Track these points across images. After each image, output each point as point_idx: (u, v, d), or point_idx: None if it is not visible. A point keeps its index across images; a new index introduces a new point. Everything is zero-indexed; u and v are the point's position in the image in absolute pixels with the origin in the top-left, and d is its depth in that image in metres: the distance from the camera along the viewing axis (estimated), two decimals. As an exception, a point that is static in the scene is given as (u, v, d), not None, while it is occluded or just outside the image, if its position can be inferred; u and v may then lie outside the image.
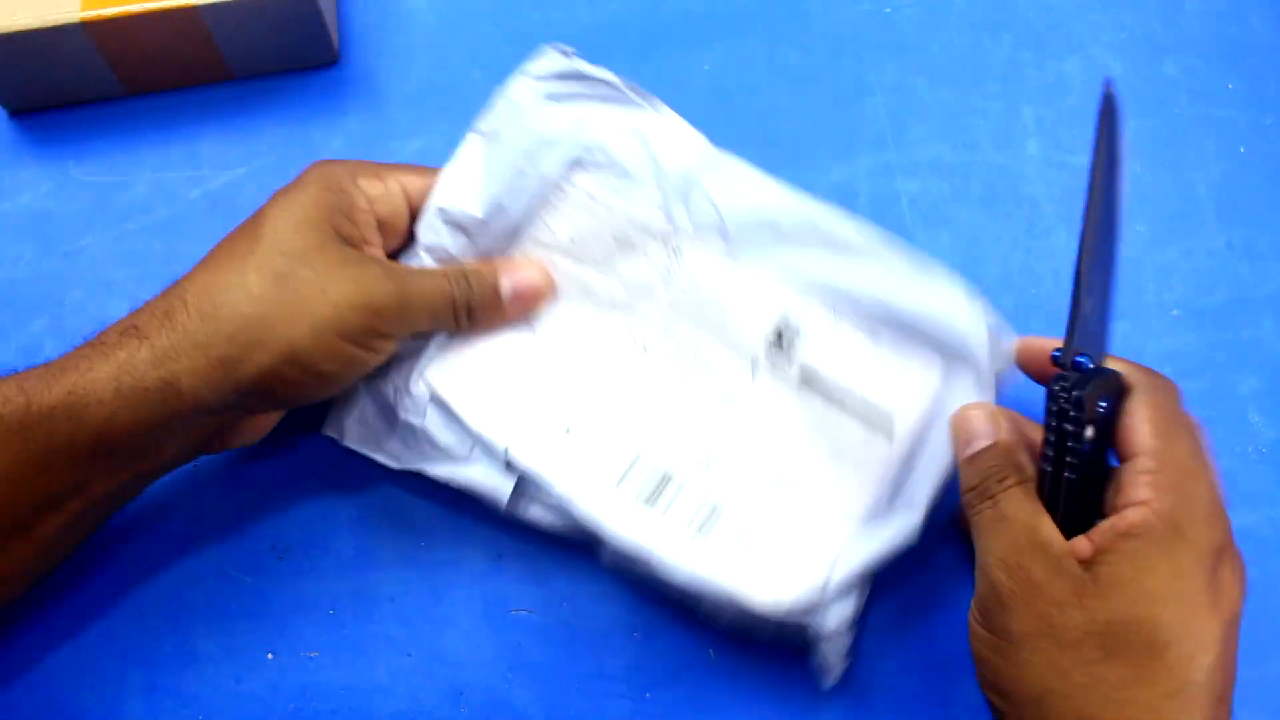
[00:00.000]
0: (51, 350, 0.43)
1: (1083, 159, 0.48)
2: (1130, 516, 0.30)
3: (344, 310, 0.34)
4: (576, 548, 0.40)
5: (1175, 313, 0.45)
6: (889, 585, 0.39)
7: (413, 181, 0.39)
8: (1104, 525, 0.30)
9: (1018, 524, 0.31)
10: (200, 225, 0.46)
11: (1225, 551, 0.30)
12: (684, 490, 0.37)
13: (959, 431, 0.34)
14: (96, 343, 0.34)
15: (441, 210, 0.39)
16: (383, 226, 0.38)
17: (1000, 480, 0.32)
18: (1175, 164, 0.48)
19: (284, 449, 0.42)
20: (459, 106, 0.49)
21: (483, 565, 0.40)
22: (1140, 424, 0.31)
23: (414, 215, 0.39)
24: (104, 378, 0.33)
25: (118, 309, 0.45)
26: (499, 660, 0.39)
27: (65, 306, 0.45)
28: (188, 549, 0.41)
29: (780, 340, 0.38)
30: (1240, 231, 0.47)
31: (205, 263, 0.36)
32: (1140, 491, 0.30)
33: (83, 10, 0.43)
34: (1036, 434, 0.34)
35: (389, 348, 0.36)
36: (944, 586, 0.40)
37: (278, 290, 0.33)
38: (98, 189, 0.47)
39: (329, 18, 0.48)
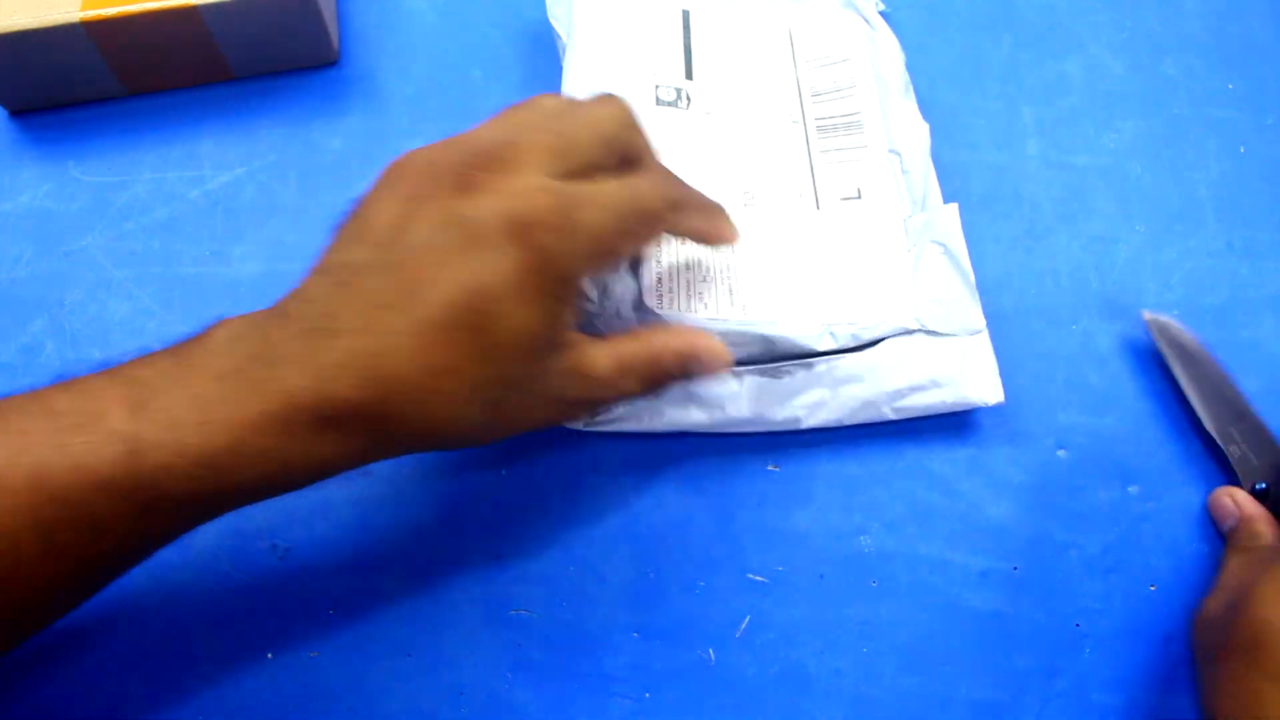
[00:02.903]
0: (52, 351, 0.44)
1: (1083, 159, 0.48)
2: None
3: (543, 426, 0.33)
4: (576, 547, 0.40)
5: (1175, 313, 0.45)
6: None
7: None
8: None
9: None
10: (200, 225, 0.46)
11: None
12: None
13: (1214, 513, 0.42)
14: (288, 425, 0.28)
15: None
16: None
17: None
18: (1175, 164, 0.48)
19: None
20: (459, 106, 0.49)
21: (483, 565, 0.40)
22: None
23: None
24: (302, 471, 0.30)
25: (118, 309, 0.45)
26: (499, 660, 0.39)
27: (65, 306, 0.45)
28: (187, 549, 0.41)
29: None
30: (1240, 231, 0.47)
31: (420, 342, 0.28)
32: None
33: (83, 10, 0.43)
34: None
35: None
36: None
37: (489, 418, 0.31)
38: (98, 189, 0.47)
39: (329, 18, 0.48)
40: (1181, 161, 0.48)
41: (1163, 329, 0.43)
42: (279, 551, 0.40)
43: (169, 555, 0.40)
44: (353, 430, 0.29)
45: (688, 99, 0.41)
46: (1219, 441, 0.41)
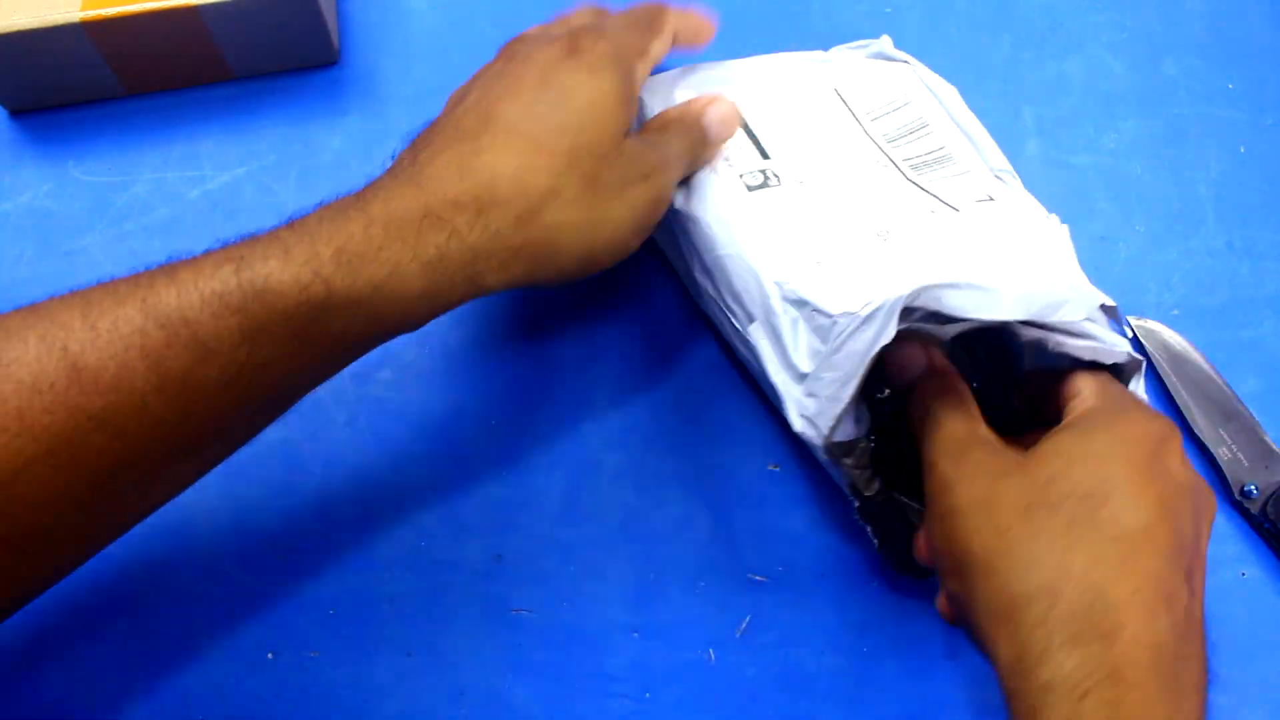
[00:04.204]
0: (52, 350, 0.44)
1: (1083, 159, 0.48)
2: (1074, 410, 0.33)
3: (640, 218, 0.35)
4: (576, 547, 0.41)
5: (1175, 313, 0.45)
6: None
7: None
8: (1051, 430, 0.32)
9: (957, 424, 0.33)
10: (200, 225, 0.46)
11: (1169, 443, 0.31)
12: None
13: (895, 365, 0.36)
14: (392, 227, 0.30)
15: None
16: None
17: (937, 397, 0.34)
18: (1175, 164, 0.48)
19: (284, 448, 0.42)
20: (459, 106, 0.49)
21: (483, 565, 0.40)
22: (1081, 376, 0.34)
23: None
24: (414, 275, 0.30)
25: (118, 309, 0.45)
26: (499, 660, 0.39)
27: (65, 306, 0.45)
28: (187, 549, 0.41)
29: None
30: (1240, 231, 0.47)
31: (507, 136, 0.33)
32: (1082, 398, 0.33)
33: (83, 10, 0.43)
34: None
35: None
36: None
37: (589, 198, 0.33)
38: (98, 189, 0.47)
39: (329, 18, 0.48)
40: (1181, 161, 0.48)
41: (1150, 334, 0.43)
42: (279, 552, 0.40)
43: (170, 555, 0.41)
44: (455, 224, 0.31)
45: (776, 177, 0.40)
46: (1207, 445, 0.41)
